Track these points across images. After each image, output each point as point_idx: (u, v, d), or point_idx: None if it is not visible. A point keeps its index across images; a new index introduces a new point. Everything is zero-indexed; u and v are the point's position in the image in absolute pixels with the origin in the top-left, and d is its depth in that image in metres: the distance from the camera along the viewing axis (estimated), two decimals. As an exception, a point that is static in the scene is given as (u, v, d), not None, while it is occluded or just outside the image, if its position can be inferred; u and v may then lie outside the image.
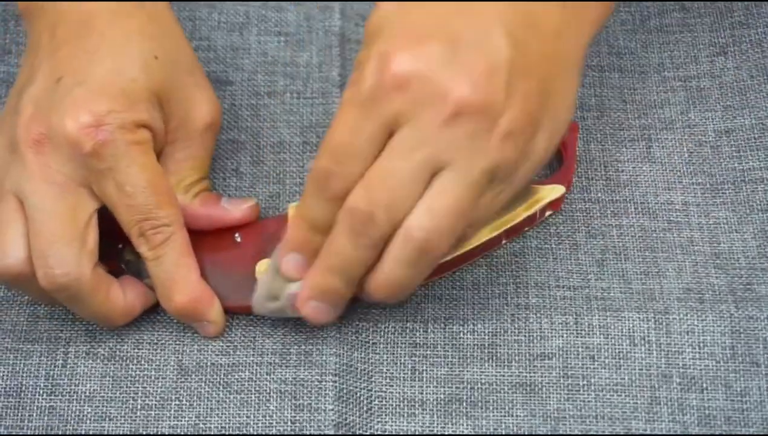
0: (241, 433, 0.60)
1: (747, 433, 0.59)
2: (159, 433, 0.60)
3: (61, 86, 0.59)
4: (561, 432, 0.60)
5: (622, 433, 0.60)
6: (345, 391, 0.61)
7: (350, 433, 0.60)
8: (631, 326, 0.62)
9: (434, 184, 0.54)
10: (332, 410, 0.60)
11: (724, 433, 0.60)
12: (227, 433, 0.60)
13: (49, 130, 0.58)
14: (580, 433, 0.60)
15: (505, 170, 0.55)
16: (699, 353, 0.61)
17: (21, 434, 0.60)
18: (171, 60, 0.62)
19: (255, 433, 0.60)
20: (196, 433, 0.60)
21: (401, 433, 0.60)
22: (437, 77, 0.53)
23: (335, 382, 0.61)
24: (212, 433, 0.60)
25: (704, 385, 0.61)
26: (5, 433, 0.60)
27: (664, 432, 0.60)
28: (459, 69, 0.53)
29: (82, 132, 0.58)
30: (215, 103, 0.64)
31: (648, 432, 0.60)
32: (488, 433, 0.60)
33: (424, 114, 0.54)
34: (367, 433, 0.60)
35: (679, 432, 0.60)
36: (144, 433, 0.60)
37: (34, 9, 0.63)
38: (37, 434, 0.60)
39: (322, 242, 0.57)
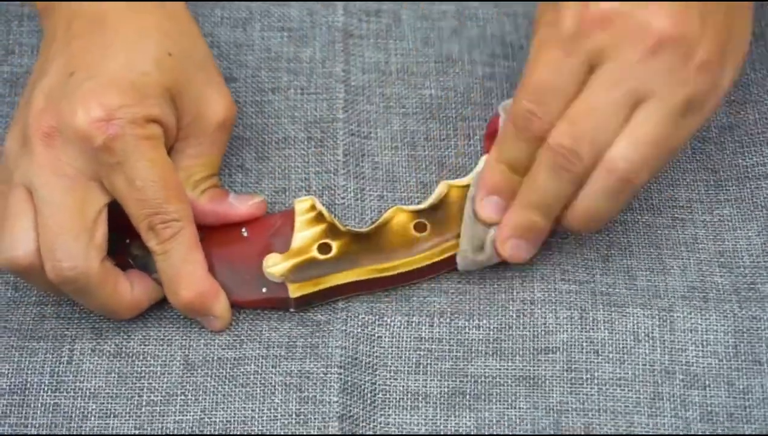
0: (245, 426, 0.60)
1: (749, 430, 0.60)
2: (164, 428, 0.60)
3: (73, 80, 0.59)
4: (563, 425, 0.60)
5: (624, 427, 0.60)
6: (350, 384, 0.61)
7: (354, 425, 0.60)
8: (635, 321, 0.62)
9: (636, 116, 0.56)
10: (336, 402, 0.60)
11: (726, 429, 0.60)
12: (232, 426, 0.60)
13: (59, 124, 0.58)
14: (582, 426, 0.60)
15: (700, 99, 0.56)
16: (702, 350, 0.61)
17: (25, 431, 0.60)
18: (185, 57, 0.62)
19: (260, 425, 0.60)
20: (201, 427, 0.60)
21: (405, 425, 0.60)
22: (637, 12, 0.55)
23: (340, 375, 0.61)
24: (217, 426, 0.60)
25: (707, 382, 0.61)
26: (10, 430, 0.60)
27: (666, 427, 0.60)
28: (657, 3, 0.55)
29: (92, 126, 0.58)
30: (229, 102, 0.64)
31: (650, 427, 0.60)
32: (491, 425, 0.60)
33: (626, 48, 0.55)
34: (371, 425, 0.60)
35: (681, 428, 0.60)
36: (149, 429, 0.60)
37: (50, 7, 0.63)
38: (41, 431, 0.60)
39: (519, 183, 0.59)
